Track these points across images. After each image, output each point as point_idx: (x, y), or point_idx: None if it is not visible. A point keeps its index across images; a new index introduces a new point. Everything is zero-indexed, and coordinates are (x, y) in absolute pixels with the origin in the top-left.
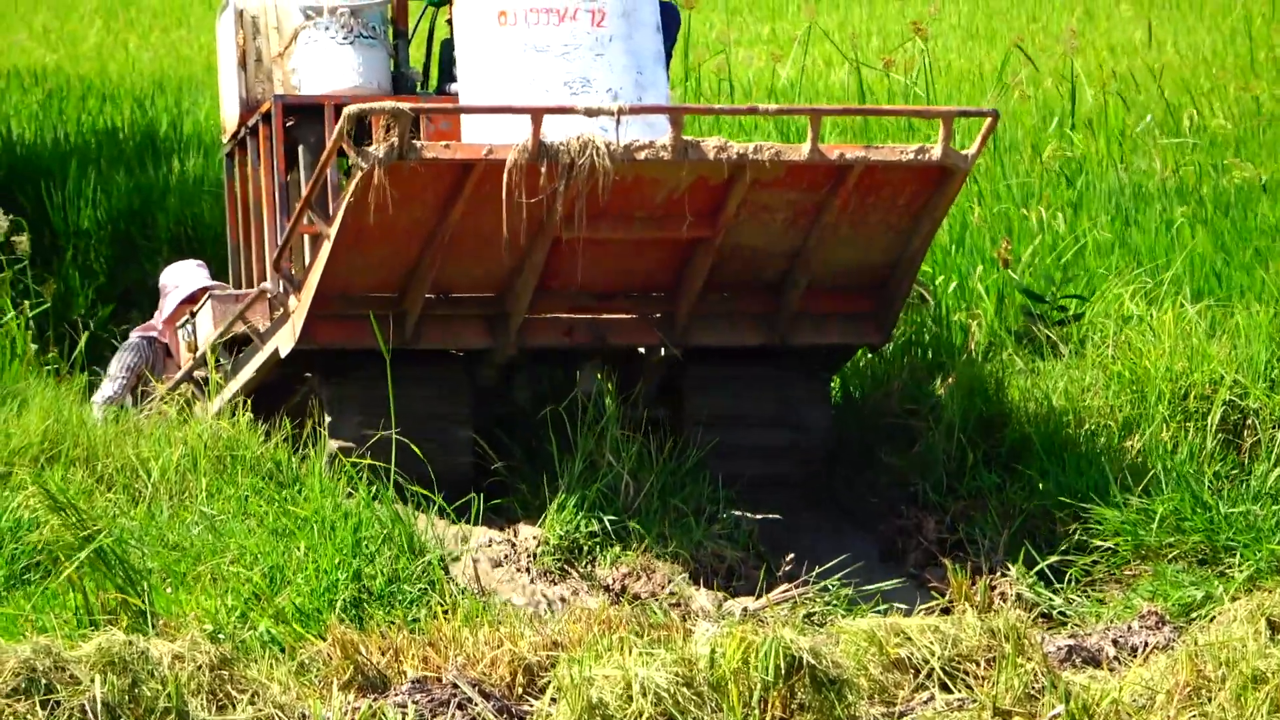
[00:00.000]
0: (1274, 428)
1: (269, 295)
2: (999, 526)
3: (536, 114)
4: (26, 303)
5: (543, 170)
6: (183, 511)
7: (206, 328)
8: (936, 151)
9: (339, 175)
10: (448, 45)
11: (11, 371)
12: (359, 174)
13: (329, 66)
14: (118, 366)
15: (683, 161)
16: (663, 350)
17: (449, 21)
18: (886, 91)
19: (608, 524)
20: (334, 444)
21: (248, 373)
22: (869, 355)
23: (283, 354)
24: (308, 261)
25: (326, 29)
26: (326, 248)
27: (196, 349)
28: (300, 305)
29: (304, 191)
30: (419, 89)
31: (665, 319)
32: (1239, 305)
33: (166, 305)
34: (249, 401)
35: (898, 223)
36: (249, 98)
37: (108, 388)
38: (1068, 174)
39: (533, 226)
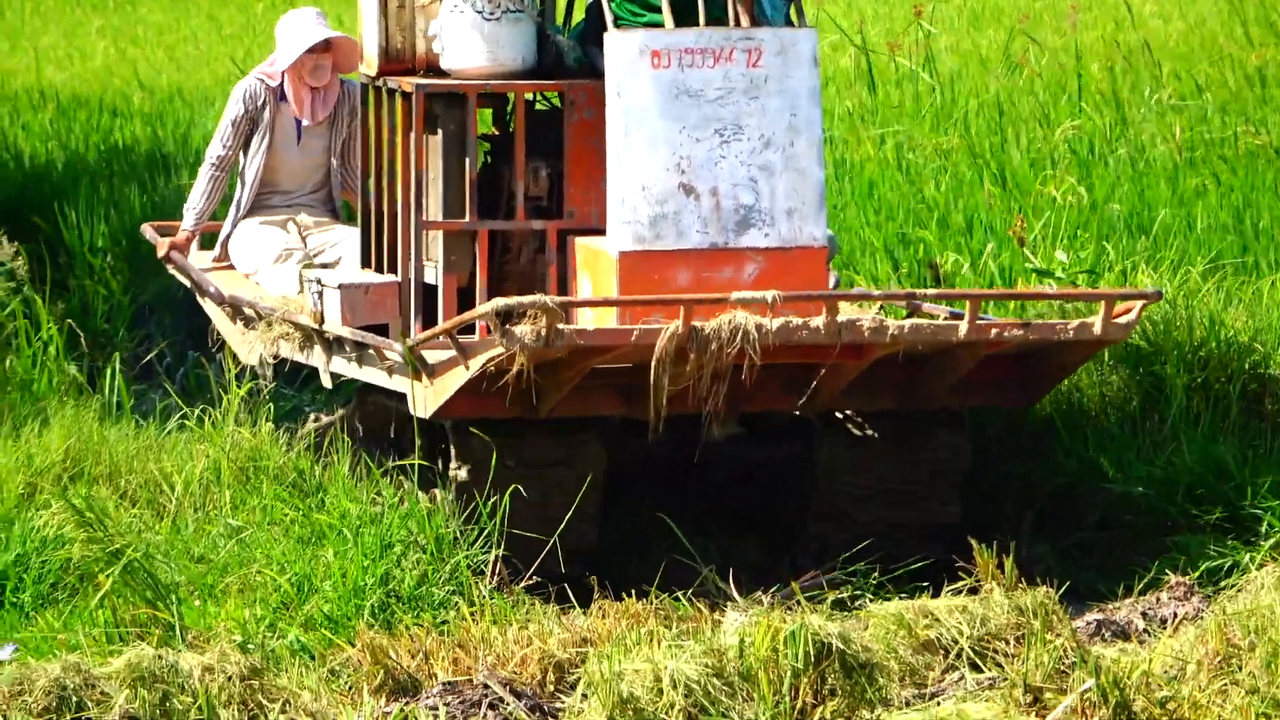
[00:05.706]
0: None
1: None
2: (1025, 506)
3: (689, 305)
4: (45, 320)
5: (691, 356)
6: (207, 524)
7: (334, 314)
8: (1097, 327)
9: (475, 166)
10: (595, 6)
11: (33, 391)
12: (501, 348)
13: (473, 43)
14: (223, 121)
15: (836, 341)
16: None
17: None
18: (895, 77)
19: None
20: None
21: (370, 378)
22: None
23: (415, 414)
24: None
25: (472, 3)
26: (462, 376)
27: (323, 321)
28: (439, 388)
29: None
30: (564, 53)
31: (801, 387)
32: (1253, 273)
33: (280, 56)
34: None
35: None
36: (389, 47)
37: (215, 146)
38: (1077, 149)
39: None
